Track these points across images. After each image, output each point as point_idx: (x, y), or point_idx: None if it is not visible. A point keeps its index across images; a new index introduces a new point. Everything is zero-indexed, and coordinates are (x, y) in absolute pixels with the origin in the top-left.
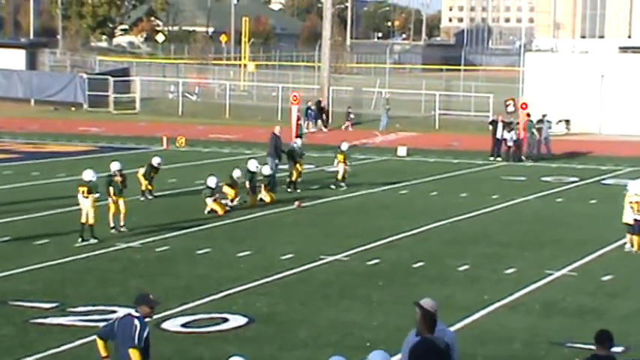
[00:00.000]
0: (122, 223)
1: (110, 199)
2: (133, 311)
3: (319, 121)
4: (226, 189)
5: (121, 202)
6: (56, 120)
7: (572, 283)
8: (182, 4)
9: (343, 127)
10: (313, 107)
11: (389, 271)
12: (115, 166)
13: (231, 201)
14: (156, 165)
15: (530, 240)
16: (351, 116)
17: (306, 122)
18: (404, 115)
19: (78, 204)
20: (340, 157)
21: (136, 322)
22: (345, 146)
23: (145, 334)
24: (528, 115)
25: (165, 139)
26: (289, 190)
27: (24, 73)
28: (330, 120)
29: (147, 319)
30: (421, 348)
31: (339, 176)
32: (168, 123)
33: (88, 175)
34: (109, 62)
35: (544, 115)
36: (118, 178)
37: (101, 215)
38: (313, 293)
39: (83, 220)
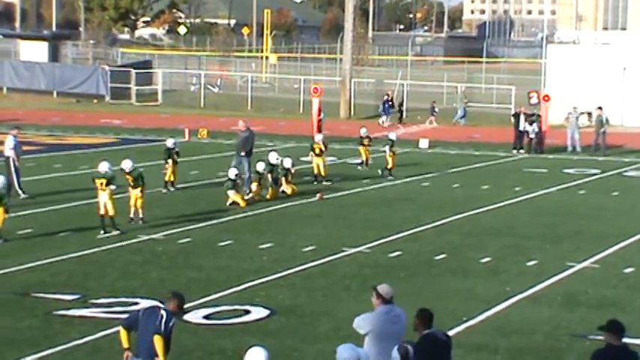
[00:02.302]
0: (131, 216)
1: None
2: (160, 304)
3: (387, 116)
4: (254, 186)
5: (132, 194)
6: (78, 112)
7: (593, 275)
8: None
9: (427, 122)
10: (391, 101)
11: (411, 264)
12: (124, 165)
13: (249, 194)
14: (171, 146)
15: (551, 232)
16: (436, 110)
17: (383, 117)
18: (426, 107)
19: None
20: (388, 147)
21: (163, 312)
22: (393, 135)
23: (171, 325)
24: (600, 108)
25: (187, 131)
26: (315, 182)
27: (46, 66)
28: (352, 111)
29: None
30: (426, 344)
31: (390, 166)
32: (190, 115)
33: (104, 166)
34: (131, 54)
35: (575, 108)
36: (128, 177)
37: (122, 207)
38: (335, 285)
39: (102, 212)
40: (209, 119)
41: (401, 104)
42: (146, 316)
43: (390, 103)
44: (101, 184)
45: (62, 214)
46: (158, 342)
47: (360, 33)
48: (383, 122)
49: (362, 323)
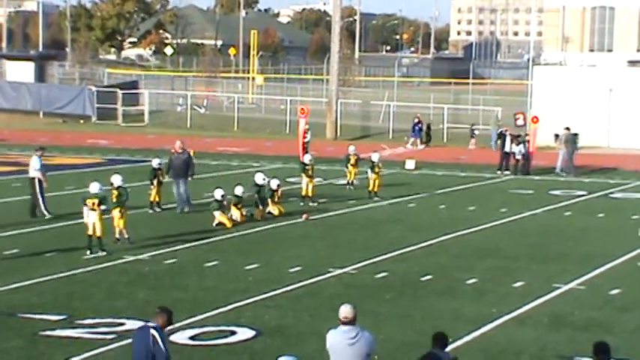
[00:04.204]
0: (117, 236)
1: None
2: (148, 323)
3: (417, 139)
4: (234, 211)
5: (114, 215)
6: (65, 132)
7: (580, 296)
8: (191, 16)
9: (470, 145)
10: (420, 124)
11: (397, 285)
12: (114, 180)
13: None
14: (156, 166)
15: (538, 253)
16: (476, 133)
17: (412, 139)
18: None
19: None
20: (375, 168)
21: (154, 332)
22: (375, 157)
23: (167, 344)
24: (568, 128)
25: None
26: (302, 204)
27: (33, 86)
28: (338, 132)
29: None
30: None
31: (370, 187)
32: (176, 135)
33: (95, 187)
34: (118, 75)
35: (567, 129)
36: (113, 192)
37: (107, 228)
38: (321, 306)
39: (90, 232)
40: (195, 140)
41: (429, 127)
42: (138, 338)
43: (420, 125)
44: (93, 204)
45: (48, 235)
46: None
47: (347, 54)
48: (412, 144)
49: (327, 339)
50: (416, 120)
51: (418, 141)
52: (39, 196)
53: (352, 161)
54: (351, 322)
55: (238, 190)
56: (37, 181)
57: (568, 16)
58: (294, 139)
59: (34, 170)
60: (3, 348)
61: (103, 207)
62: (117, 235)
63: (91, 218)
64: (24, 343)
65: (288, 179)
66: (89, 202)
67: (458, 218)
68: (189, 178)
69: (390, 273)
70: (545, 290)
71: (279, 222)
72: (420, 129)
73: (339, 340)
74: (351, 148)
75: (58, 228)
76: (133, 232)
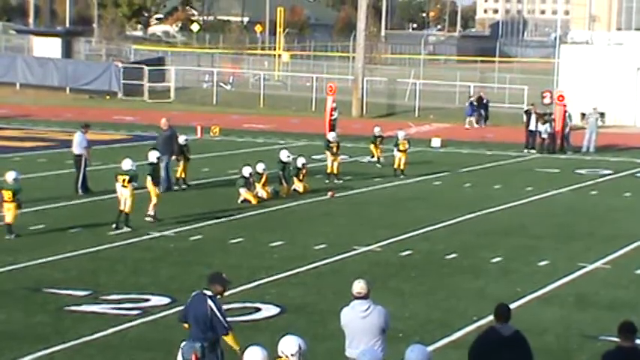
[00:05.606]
0: (151, 213)
1: (153, 189)
2: (205, 291)
3: (473, 117)
4: (259, 190)
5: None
6: (91, 108)
7: (605, 276)
8: None
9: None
10: (476, 103)
11: (422, 263)
12: (151, 156)
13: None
14: (182, 142)
15: (563, 232)
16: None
17: (468, 119)
18: (438, 106)
19: (113, 192)
20: (400, 145)
21: (210, 302)
22: (401, 135)
23: (226, 314)
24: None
25: (199, 128)
26: (327, 181)
27: (60, 62)
28: (364, 110)
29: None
30: (484, 338)
31: (396, 165)
32: (202, 112)
33: (127, 164)
34: (144, 51)
35: (594, 109)
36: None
37: (136, 204)
38: (345, 284)
39: (122, 207)
40: (221, 117)
41: (486, 106)
42: (195, 304)
43: (477, 103)
44: (124, 180)
45: (74, 210)
46: (229, 340)
47: (373, 31)
48: (468, 124)
49: (340, 317)
50: (471, 98)
51: (473, 120)
52: (81, 173)
53: (377, 142)
54: (364, 297)
55: (259, 167)
56: (83, 158)
57: None
58: (319, 116)
59: (80, 147)
60: (29, 323)
61: (134, 184)
62: (150, 212)
63: (123, 194)
64: (49, 318)
65: (314, 157)
66: (120, 178)
67: (483, 196)
68: (173, 157)
69: (414, 251)
70: (571, 269)
71: (304, 199)
72: (478, 106)
73: (352, 314)
74: (377, 129)
75: (83, 204)
76: (158, 208)
